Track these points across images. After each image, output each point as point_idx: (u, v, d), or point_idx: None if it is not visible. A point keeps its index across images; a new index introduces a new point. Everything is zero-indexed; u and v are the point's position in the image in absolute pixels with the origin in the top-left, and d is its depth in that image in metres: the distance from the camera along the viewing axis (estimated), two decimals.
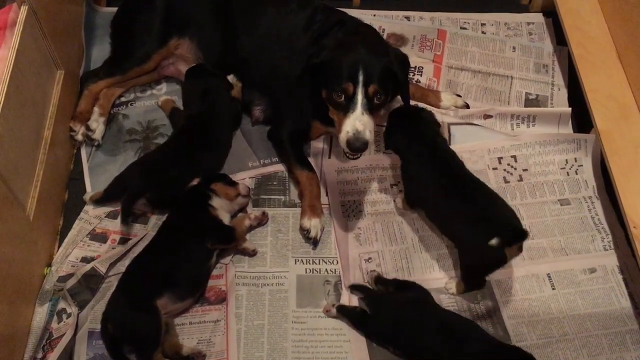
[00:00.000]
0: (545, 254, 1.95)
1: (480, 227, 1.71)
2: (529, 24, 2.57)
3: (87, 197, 2.01)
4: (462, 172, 1.85)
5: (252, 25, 2.10)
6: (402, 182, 1.98)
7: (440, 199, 1.82)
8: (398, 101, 1.98)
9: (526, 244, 1.94)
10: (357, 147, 1.72)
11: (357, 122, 1.72)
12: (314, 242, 1.95)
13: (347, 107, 1.74)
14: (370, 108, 1.74)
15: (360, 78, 1.72)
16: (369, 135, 1.72)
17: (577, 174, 2.11)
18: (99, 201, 2.00)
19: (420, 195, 1.92)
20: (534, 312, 1.84)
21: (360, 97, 1.73)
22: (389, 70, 1.78)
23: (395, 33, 2.50)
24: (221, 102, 2.10)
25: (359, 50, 1.78)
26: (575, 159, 2.12)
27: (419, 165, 1.86)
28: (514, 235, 1.68)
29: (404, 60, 1.91)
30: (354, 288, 1.85)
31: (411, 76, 2.34)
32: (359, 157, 1.91)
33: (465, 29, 2.53)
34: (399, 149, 1.92)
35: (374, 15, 2.55)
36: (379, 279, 1.84)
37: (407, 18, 2.57)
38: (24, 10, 1.87)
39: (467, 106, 2.25)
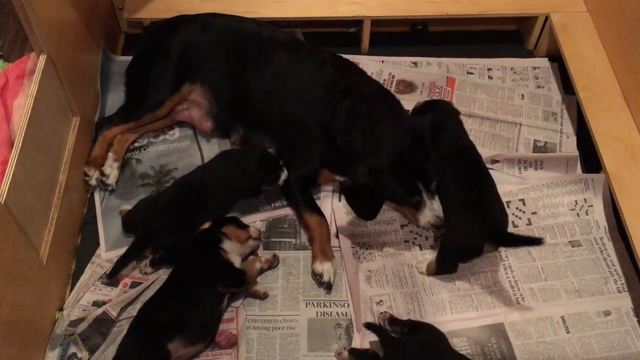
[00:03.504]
0: (559, 296, 1.93)
1: (469, 216, 1.84)
2: (534, 68, 2.61)
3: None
4: (478, 162, 1.99)
5: (262, 71, 2.14)
6: None
7: (449, 182, 1.92)
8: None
9: (540, 285, 1.95)
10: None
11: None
12: (328, 286, 1.94)
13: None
14: None
15: None
16: None
17: (587, 214, 2.10)
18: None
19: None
20: (549, 355, 1.81)
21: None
22: None
23: (404, 80, 2.54)
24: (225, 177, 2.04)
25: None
26: (585, 199, 2.12)
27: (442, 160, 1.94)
28: (495, 238, 1.84)
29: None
30: (368, 327, 1.83)
31: None
32: None
33: (471, 73, 2.58)
34: None
35: (382, 62, 2.60)
36: (392, 320, 1.83)
37: (415, 64, 2.62)
38: (42, 59, 1.92)
39: None
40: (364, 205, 1.90)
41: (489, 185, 1.94)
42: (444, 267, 1.95)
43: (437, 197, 1.90)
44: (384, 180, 1.83)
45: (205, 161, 2.23)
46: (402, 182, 1.84)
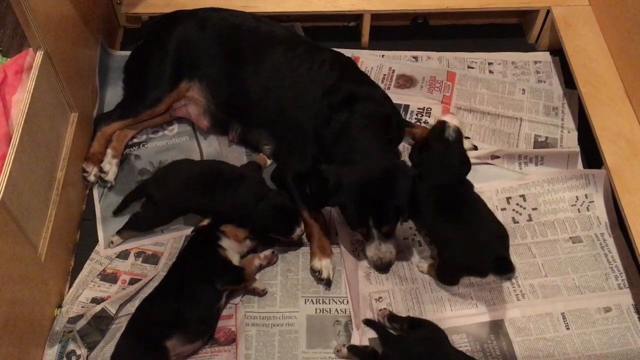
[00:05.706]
0: (559, 292, 1.92)
1: (470, 249, 1.77)
2: (536, 62, 2.59)
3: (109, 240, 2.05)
4: (468, 193, 1.89)
5: (260, 68, 2.13)
6: None
7: (439, 214, 1.84)
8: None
9: (540, 281, 1.94)
10: None
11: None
12: (327, 283, 1.94)
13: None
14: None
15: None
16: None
17: (588, 210, 2.09)
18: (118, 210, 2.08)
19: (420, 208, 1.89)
20: (549, 352, 1.81)
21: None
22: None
23: (405, 74, 2.53)
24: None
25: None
26: (585, 195, 2.11)
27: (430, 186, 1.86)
28: (501, 268, 1.74)
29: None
30: (367, 323, 1.83)
31: (419, 117, 2.38)
32: None
33: (472, 68, 2.56)
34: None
35: (382, 56, 2.59)
36: (391, 317, 1.82)
37: (415, 58, 2.60)
38: (39, 55, 1.91)
39: (475, 148, 2.25)
40: (314, 194, 1.93)
41: (478, 210, 1.85)
42: (444, 281, 1.93)
43: (390, 242, 1.89)
44: (340, 197, 1.83)
45: (204, 156, 2.25)
46: (357, 209, 1.83)
